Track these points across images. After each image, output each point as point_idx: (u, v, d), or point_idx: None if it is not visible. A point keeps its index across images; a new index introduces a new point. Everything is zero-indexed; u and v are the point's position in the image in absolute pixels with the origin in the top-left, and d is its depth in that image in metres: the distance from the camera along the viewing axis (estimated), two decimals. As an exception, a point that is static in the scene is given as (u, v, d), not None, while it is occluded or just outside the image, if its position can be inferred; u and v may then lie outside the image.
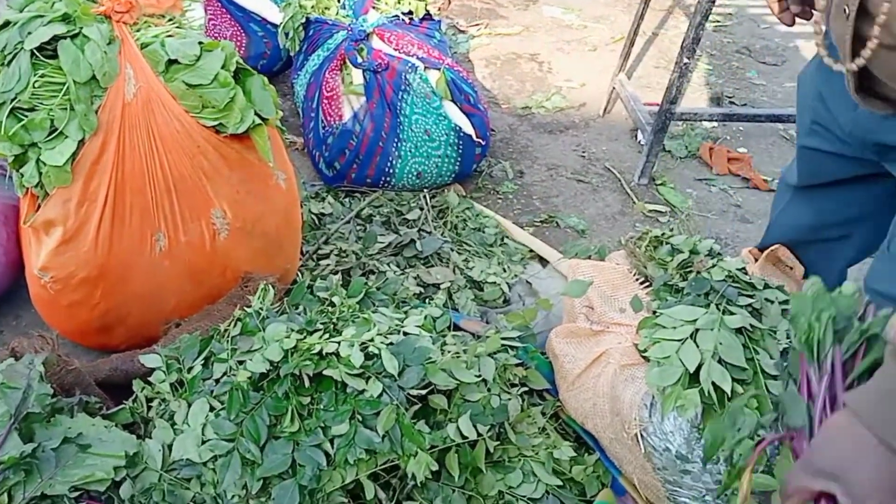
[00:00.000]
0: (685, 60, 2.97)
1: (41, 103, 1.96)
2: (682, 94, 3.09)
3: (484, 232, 2.83)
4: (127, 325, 2.20)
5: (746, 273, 1.94)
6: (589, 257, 2.37)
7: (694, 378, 1.70)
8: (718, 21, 4.72)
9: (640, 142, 3.44)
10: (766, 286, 1.90)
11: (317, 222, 2.80)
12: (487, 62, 4.10)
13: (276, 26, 3.50)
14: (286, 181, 2.27)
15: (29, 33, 1.96)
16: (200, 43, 2.08)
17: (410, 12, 3.40)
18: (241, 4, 3.58)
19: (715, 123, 3.64)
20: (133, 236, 2.07)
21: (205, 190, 2.11)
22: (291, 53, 3.43)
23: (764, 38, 4.58)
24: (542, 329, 2.23)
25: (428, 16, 3.47)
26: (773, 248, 2.14)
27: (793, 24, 1.78)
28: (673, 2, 4.74)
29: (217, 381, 1.78)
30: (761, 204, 3.21)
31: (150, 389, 1.85)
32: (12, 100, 1.94)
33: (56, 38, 1.97)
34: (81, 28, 2.00)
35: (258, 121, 2.11)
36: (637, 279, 2.07)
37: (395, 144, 2.95)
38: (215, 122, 2.08)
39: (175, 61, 2.06)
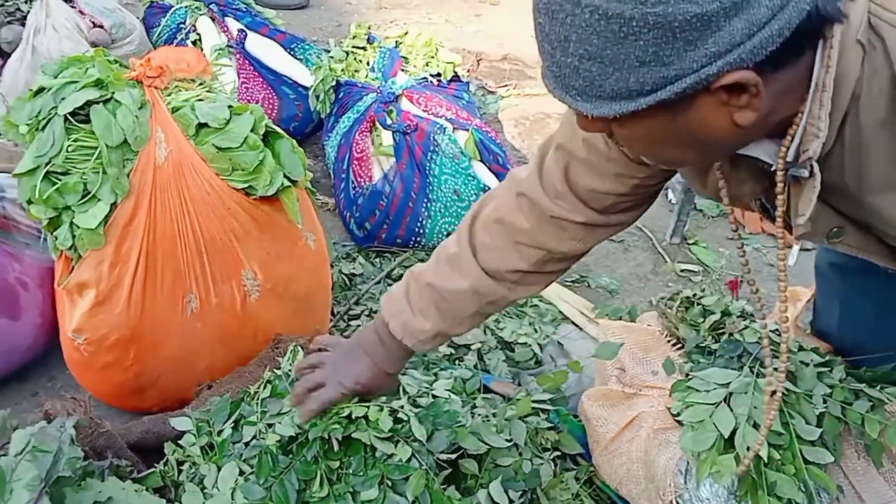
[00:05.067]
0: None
1: (74, 167, 1.99)
2: (711, 152, 3.09)
3: (514, 292, 2.81)
4: (159, 387, 2.20)
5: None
6: (620, 318, 2.35)
7: (729, 443, 1.67)
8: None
9: (671, 201, 3.43)
10: (801, 348, 1.86)
11: (347, 283, 2.80)
12: (516, 122, 4.12)
13: (307, 89, 3.55)
14: (315, 242, 2.28)
15: (63, 99, 2.01)
16: (230, 107, 2.12)
17: (439, 74, 3.44)
18: (273, 68, 3.64)
19: (746, 181, 3.62)
20: (165, 298, 2.08)
21: (235, 252, 2.12)
22: (322, 115, 3.48)
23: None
24: (575, 391, 2.20)
25: (456, 77, 3.51)
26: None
27: None
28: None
29: (247, 444, 1.76)
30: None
31: (181, 452, 1.84)
32: (46, 164, 1.98)
33: (89, 104, 2.01)
34: (114, 93, 2.04)
35: (287, 183, 2.13)
36: (669, 341, 2.05)
37: (424, 205, 2.96)
38: (245, 185, 2.10)
39: (205, 125, 2.09)
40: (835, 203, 1.24)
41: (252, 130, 2.10)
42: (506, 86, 4.45)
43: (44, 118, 2.01)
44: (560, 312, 2.73)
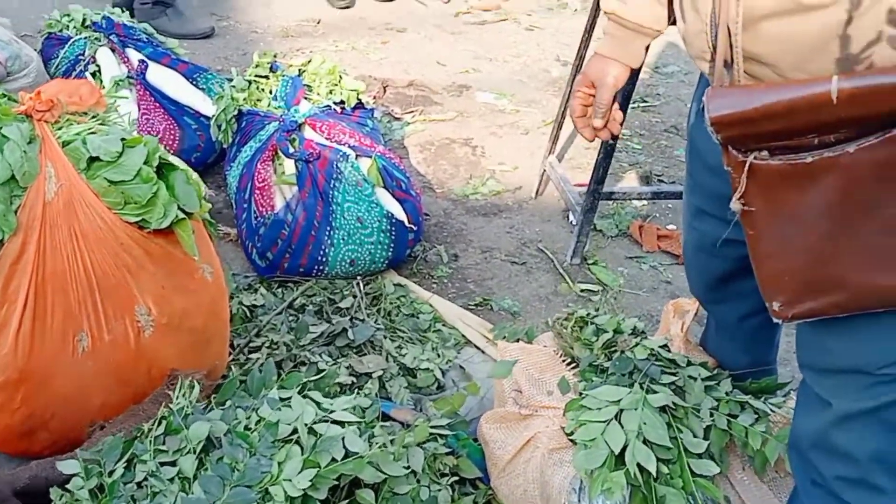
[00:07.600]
0: (609, 141, 3.03)
1: (-41, 205, 1.94)
2: (609, 173, 3.15)
3: (418, 318, 2.83)
4: (50, 429, 2.14)
5: (669, 350, 1.97)
6: (518, 339, 2.38)
7: (620, 459, 1.70)
8: (647, 102, 4.85)
9: (571, 222, 3.49)
10: (689, 363, 1.92)
11: (248, 315, 2.77)
12: (422, 148, 4.15)
13: (209, 119, 3.52)
14: (213, 274, 2.26)
15: (-52, 136, 1.96)
16: (123, 139, 2.09)
17: (342, 102, 3.45)
18: (175, 98, 3.60)
19: (644, 202, 3.71)
20: (55, 337, 2.03)
21: (129, 287, 2.09)
22: (225, 145, 3.45)
23: (691, 116, 4.70)
24: (476, 415, 2.22)
25: (360, 105, 3.52)
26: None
27: (592, 139, 1.78)
28: (602, 84, 4.87)
29: (139, 484, 1.74)
30: (692, 279, 3.26)
31: (70, 497, 1.80)
32: (-70, 202, 1.92)
33: (-26, 140, 1.96)
34: (1, 128, 2.00)
35: (182, 215, 2.10)
36: (564, 360, 2.09)
37: (327, 233, 2.95)
38: (138, 218, 2.06)
39: (97, 158, 2.06)
40: None
41: (145, 163, 2.07)
42: (412, 112, 4.48)
43: (-72, 156, 1.95)
44: (462, 336, 2.75)
